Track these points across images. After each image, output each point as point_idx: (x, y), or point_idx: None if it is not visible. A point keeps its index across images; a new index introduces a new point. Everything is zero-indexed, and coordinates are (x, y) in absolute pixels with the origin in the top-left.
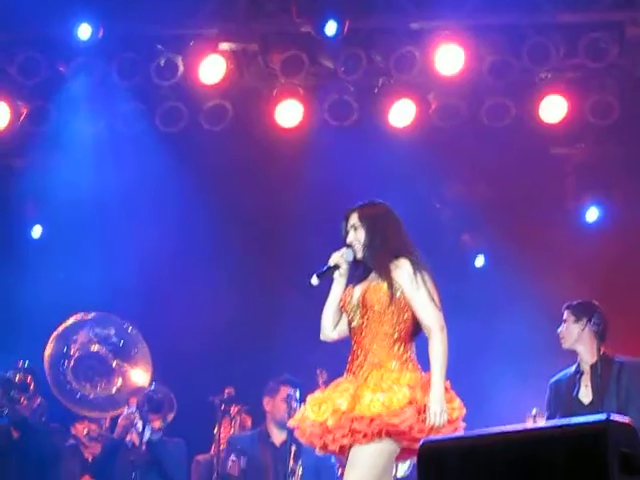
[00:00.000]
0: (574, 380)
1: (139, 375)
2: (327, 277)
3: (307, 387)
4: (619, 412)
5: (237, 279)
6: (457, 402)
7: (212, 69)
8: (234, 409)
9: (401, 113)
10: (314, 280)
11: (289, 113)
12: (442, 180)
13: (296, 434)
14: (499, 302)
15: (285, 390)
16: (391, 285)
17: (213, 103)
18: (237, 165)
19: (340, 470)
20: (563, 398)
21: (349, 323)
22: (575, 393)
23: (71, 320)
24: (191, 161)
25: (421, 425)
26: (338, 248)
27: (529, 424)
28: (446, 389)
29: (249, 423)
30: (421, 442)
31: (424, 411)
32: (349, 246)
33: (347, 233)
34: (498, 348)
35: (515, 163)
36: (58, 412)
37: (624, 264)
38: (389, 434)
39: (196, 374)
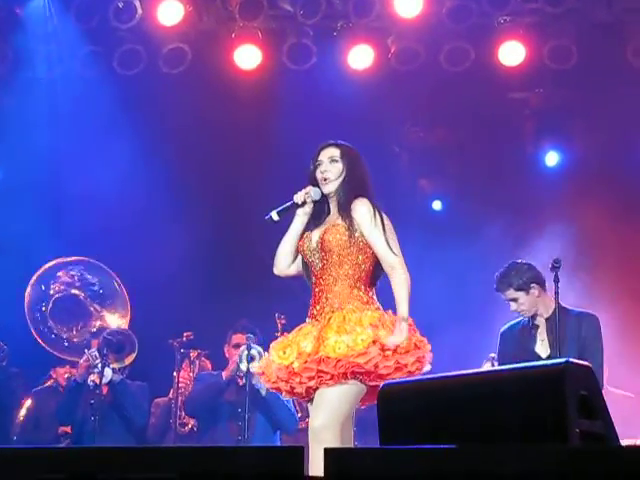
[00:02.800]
0: (529, 333)
1: (116, 321)
2: (288, 214)
3: (266, 332)
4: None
5: (197, 223)
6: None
7: (170, 12)
8: (193, 353)
9: (360, 57)
10: (274, 216)
11: (248, 56)
12: (401, 124)
13: (262, 380)
14: (456, 246)
15: (236, 338)
16: (351, 225)
17: (172, 46)
18: (196, 108)
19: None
20: (517, 350)
21: (308, 267)
22: (532, 346)
23: (52, 262)
24: (149, 104)
25: (385, 363)
26: (295, 187)
27: (487, 367)
28: (410, 325)
29: (209, 367)
30: (381, 385)
31: (388, 349)
32: (315, 185)
33: (317, 166)
34: (454, 292)
35: (474, 107)
36: (40, 355)
37: (583, 207)
38: (355, 375)
39: (156, 317)
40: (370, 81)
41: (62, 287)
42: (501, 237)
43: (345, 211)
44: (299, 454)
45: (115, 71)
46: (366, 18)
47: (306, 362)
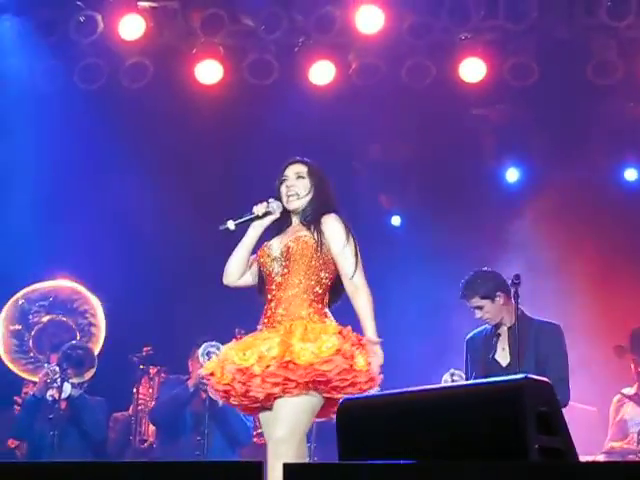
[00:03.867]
0: (491, 341)
1: None
2: (244, 225)
3: None
4: (537, 374)
5: (157, 240)
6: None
7: (132, 26)
8: (153, 369)
9: (321, 72)
10: (231, 225)
11: (209, 71)
12: (361, 140)
13: (212, 381)
14: (415, 262)
15: (200, 351)
16: (319, 239)
17: (133, 60)
18: (157, 122)
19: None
20: (480, 358)
21: (264, 276)
22: (492, 354)
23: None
24: (110, 118)
25: (345, 375)
26: (256, 201)
27: (447, 383)
28: (365, 345)
29: None
30: (340, 401)
31: (350, 358)
32: (278, 199)
33: (283, 181)
34: (413, 308)
35: (435, 123)
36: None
37: (543, 223)
38: (316, 385)
39: (116, 332)
40: (331, 97)
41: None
42: (461, 253)
43: (314, 225)
44: (258, 469)
45: (76, 85)
46: (327, 34)
47: (269, 367)
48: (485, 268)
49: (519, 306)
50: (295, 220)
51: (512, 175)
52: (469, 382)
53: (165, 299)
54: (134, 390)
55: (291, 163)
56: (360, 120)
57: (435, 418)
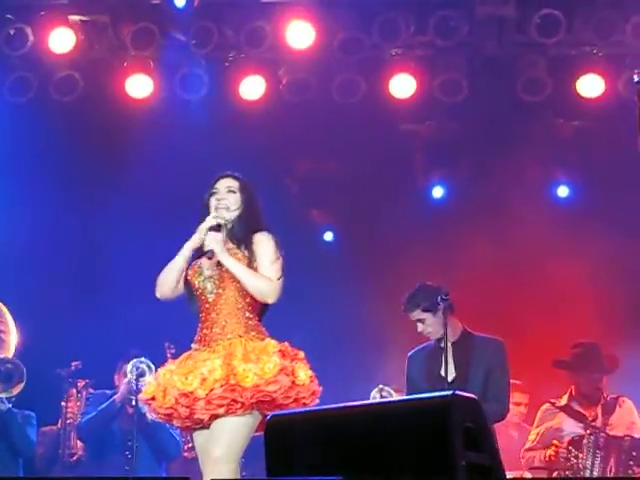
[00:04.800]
0: (435, 356)
1: None
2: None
3: (156, 361)
4: (483, 388)
5: (87, 250)
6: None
7: (62, 40)
8: (81, 383)
9: (251, 87)
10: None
11: (139, 85)
12: (292, 155)
13: (154, 405)
14: (346, 277)
15: (128, 367)
16: (251, 256)
17: (63, 74)
18: (85, 136)
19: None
20: (424, 374)
21: (198, 295)
22: (438, 370)
23: None
24: (39, 131)
25: (289, 393)
26: (185, 218)
27: (376, 399)
28: (303, 359)
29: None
30: (268, 416)
31: (292, 374)
32: (207, 213)
33: (213, 194)
34: (345, 323)
35: (365, 139)
36: None
37: (471, 240)
38: (261, 404)
39: (44, 346)
40: (261, 112)
41: None
42: (390, 268)
43: (245, 243)
44: None
45: (5, 98)
46: (258, 49)
47: (213, 390)
48: (428, 282)
49: (459, 323)
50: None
51: (438, 191)
52: (397, 398)
53: (92, 312)
54: (62, 404)
55: (222, 177)
56: (290, 135)
57: (363, 434)
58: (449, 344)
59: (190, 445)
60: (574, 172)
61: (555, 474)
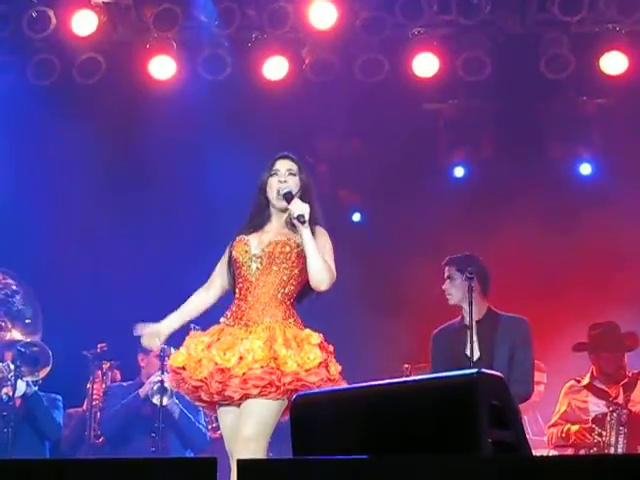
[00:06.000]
0: (460, 336)
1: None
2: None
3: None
4: (508, 367)
5: (109, 235)
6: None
7: (85, 22)
8: (106, 365)
9: (274, 68)
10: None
11: (162, 67)
12: (316, 135)
13: (184, 374)
14: (376, 256)
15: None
16: (301, 244)
17: (86, 56)
18: (110, 118)
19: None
20: (449, 353)
21: (238, 270)
22: (462, 349)
23: None
24: (63, 114)
25: (324, 385)
26: (205, 198)
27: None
28: (332, 353)
29: (118, 378)
30: (294, 397)
31: (328, 369)
32: (263, 192)
33: (273, 174)
34: (375, 302)
35: (388, 119)
36: None
37: (491, 219)
38: (293, 393)
39: (69, 328)
40: (285, 92)
41: None
42: (416, 247)
43: (300, 231)
44: (212, 465)
45: (29, 81)
46: (280, 29)
47: (251, 369)
48: (480, 258)
49: (486, 302)
50: (276, 220)
51: (460, 171)
52: (422, 377)
53: (115, 294)
54: (88, 386)
55: (282, 157)
56: (314, 115)
57: (387, 412)
58: (474, 323)
59: (214, 425)
60: (597, 150)
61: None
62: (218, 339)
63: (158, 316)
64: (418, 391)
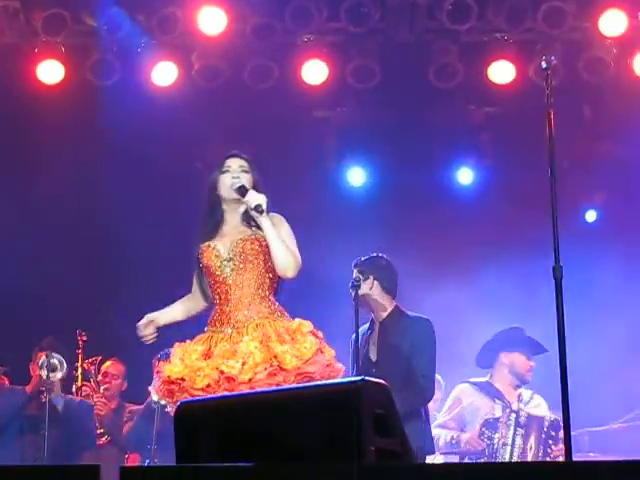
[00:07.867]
0: (366, 337)
1: None
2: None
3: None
4: (407, 366)
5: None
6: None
7: None
8: None
9: (163, 73)
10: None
11: (51, 71)
12: (205, 141)
13: (184, 385)
14: None
15: (40, 355)
16: (263, 237)
17: None
18: None
19: None
20: (354, 357)
21: (213, 277)
22: (365, 351)
23: None
24: None
25: (324, 371)
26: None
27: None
28: (322, 338)
29: (6, 384)
30: (178, 404)
31: (323, 355)
32: (214, 190)
33: (224, 172)
34: None
35: (278, 125)
36: None
37: (385, 225)
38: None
39: None
40: (174, 98)
41: None
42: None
43: (257, 224)
44: (95, 473)
45: None
46: (170, 35)
47: (256, 374)
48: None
49: (394, 301)
50: (232, 217)
51: (356, 177)
52: (309, 384)
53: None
54: None
55: (233, 155)
56: (203, 121)
57: (274, 420)
58: (377, 324)
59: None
60: (485, 157)
61: (466, 459)
62: (211, 346)
63: (45, 324)
64: (303, 399)
